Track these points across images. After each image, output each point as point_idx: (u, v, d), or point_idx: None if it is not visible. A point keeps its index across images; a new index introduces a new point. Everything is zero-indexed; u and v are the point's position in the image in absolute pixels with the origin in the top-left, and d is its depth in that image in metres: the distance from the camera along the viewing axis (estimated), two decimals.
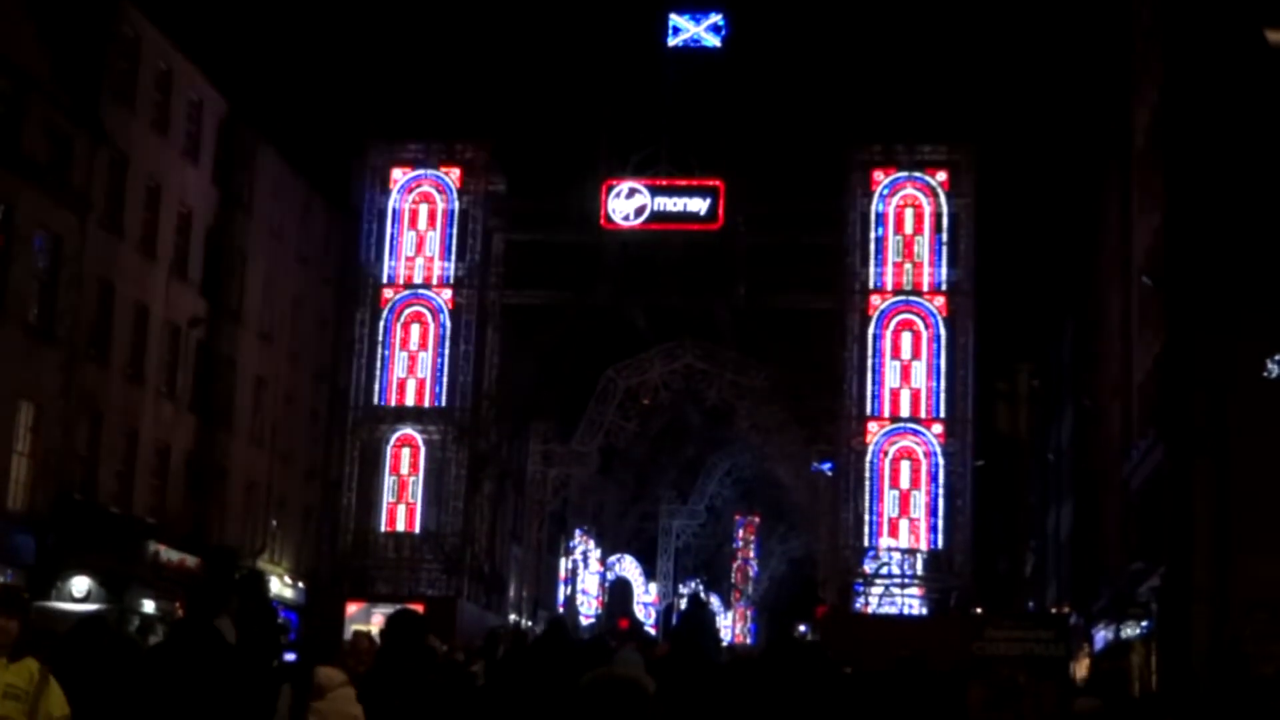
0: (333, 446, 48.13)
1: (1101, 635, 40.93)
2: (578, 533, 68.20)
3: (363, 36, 64.50)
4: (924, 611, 42.39)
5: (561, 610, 63.77)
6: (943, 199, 43.70)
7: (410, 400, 44.53)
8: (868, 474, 42.72)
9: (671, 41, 46.30)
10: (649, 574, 75.92)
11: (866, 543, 42.57)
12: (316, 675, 8.97)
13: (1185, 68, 33.02)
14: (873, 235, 43.67)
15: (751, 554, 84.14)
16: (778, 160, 49.36)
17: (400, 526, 44.13)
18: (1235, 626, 28.83)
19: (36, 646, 7.38)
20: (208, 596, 8.18)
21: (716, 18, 46.27)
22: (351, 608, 40.37)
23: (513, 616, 55.10)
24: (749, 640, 76.35)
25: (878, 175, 44.03)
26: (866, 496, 42.72)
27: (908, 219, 43.73)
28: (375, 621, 31.81)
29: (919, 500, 42.68)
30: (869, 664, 16.44)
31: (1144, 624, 34.97)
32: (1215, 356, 31.12)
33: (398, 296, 44.88)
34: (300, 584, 48.33)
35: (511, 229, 46.69)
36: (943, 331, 43.11)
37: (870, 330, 43.13)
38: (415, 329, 44.80)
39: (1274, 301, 30.82)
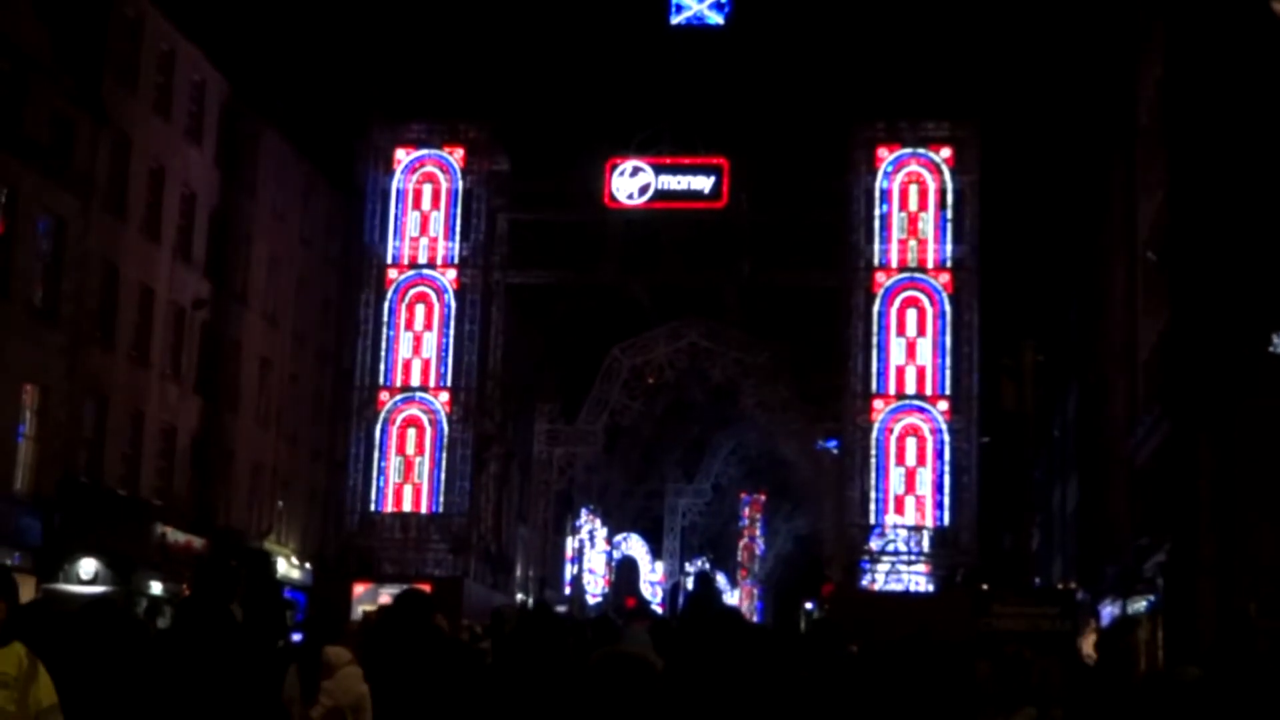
0: (338, 427, 48.18)
1: (1108, 611, 40.98)
2: (584, 512, 68.23)
3: (364, 17, 64.35)
4: (930, 588, 42.40)
5: (568, 590, 63.87)
6: (947, 175, 43.59)
7: (415, 381, 44.51)
8: (873, 451, 42.70)
9: (675, 19, 46.16)
10: (655, 553, 76.01)
11: (872, 520, 42.58)
12: (325, 655, 9.00)
13: (1189, 41, 32.93)
14: (877, 212, 43.56)
15: (757, 532, 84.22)
16: (782, 138, 49.29)
17: (406, 507, 44.17)
18: (1242, 600, 28.83)
19: (23, 631, 7.18)
20: (217, 579, 8.18)
21: None
22: (358, 588, 40.41)
23: (519, 596, 55.19)
24: (756, 618, 76.42)
25: (882, 152, 43.91)
26: (872, 474, 42.72)
27: (912, 196, 43.63)
28: (382, 602, 31.86)
29: (925, 477, 42.66)
30: (876, 641, 16.42)
31: (1150, 599, 35.00)
32: (1220, 331, 31.09)
33: (402, 277, 44.81)
34: (307, 565, 48.42)
35: (515, 208, 46.60)
36: (948, 308, 43.05)
37: (875, 307, 43.07)
38: (420, 309, 44.74)
39: (1278, 276, 30.77)
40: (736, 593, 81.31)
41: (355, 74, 52.63)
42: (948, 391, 42.92)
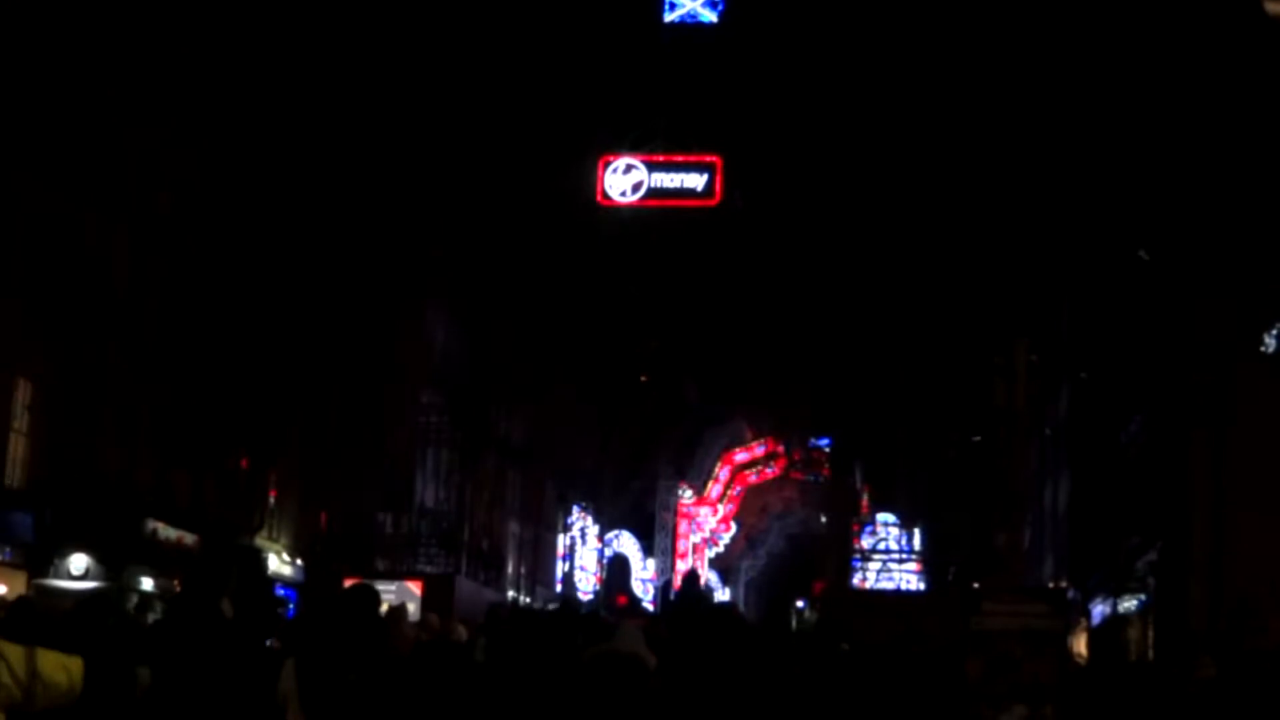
0: None
1: (1099, 609, 41.02)
2: (575, 509, 68.25)
3: (355, 17, 64.24)
4: (921, 586, 42.49)
5: (560, 588, 63.90)
6: None
7: None
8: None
9: (668, 17, 46.19)
10: (647, 550, 76.03)
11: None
12: None
13: (1183, 39, 32.92)
14: None
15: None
16: (775, 136, 49.27)
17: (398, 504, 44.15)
18: (1233, 600, 28.86)
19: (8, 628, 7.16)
20: (209, 575, 8.17)
21: None
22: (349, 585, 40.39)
23: (511, 593, 55.20)
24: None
25: None
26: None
27: None
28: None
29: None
30: (866, 640, 16.44)
31: (1141, 598, 35.03)
32: (1212, 330, 31.11)
33: None
34: (298, 561, 48.36)
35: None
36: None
37: None
38: None
39: (1271, 274, 30.79)
40: (728, 590, 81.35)
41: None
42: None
